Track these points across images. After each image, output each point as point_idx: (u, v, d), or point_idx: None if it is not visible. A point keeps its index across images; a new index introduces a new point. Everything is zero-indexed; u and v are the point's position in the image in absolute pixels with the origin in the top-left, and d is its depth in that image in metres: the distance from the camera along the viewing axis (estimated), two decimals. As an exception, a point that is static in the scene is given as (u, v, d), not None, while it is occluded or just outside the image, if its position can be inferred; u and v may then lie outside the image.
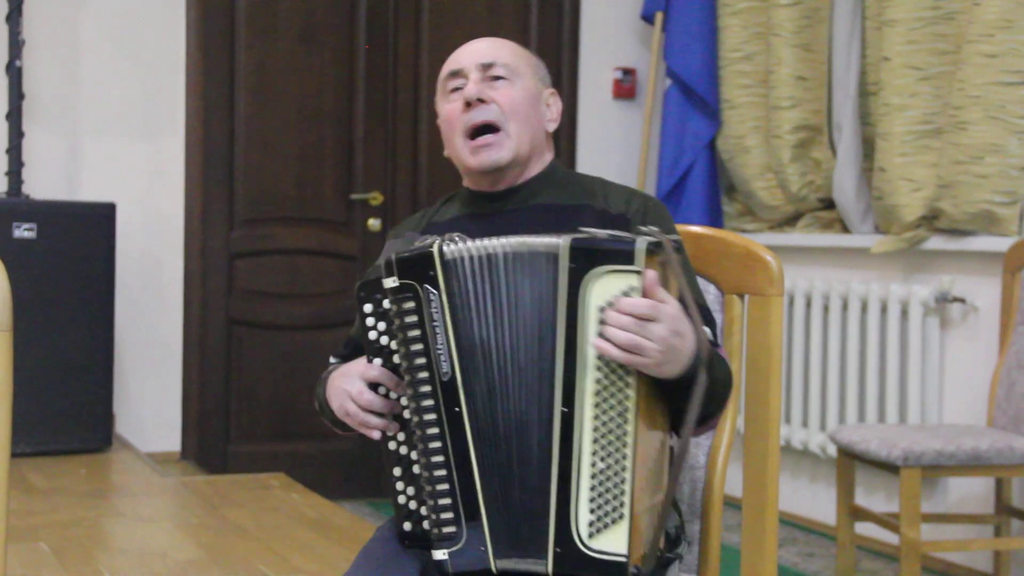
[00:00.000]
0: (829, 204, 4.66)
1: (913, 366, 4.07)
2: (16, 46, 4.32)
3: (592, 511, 1.57)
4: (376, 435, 1.71)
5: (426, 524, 1.69)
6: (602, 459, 1.56)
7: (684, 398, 1.59)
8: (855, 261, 4.42)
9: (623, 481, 1.56)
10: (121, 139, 4.69)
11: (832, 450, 4.27)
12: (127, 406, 4.70)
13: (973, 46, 3.82)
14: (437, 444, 1.63)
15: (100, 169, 4.66)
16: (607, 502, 1.57)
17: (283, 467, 4.54)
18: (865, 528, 4.03)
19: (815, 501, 4.54)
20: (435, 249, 1.63)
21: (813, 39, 4.64)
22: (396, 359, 1.68)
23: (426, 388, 1.63)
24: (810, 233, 4.68)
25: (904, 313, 4.13)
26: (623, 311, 1.52)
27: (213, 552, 3.23)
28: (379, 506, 4.79)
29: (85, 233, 4.32)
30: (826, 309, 4.44)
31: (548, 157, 1.92)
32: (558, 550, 1.58)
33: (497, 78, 1.86)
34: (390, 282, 1.64)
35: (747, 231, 4.95)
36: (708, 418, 1.68)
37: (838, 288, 4.36)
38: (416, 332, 1.63)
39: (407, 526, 1.71)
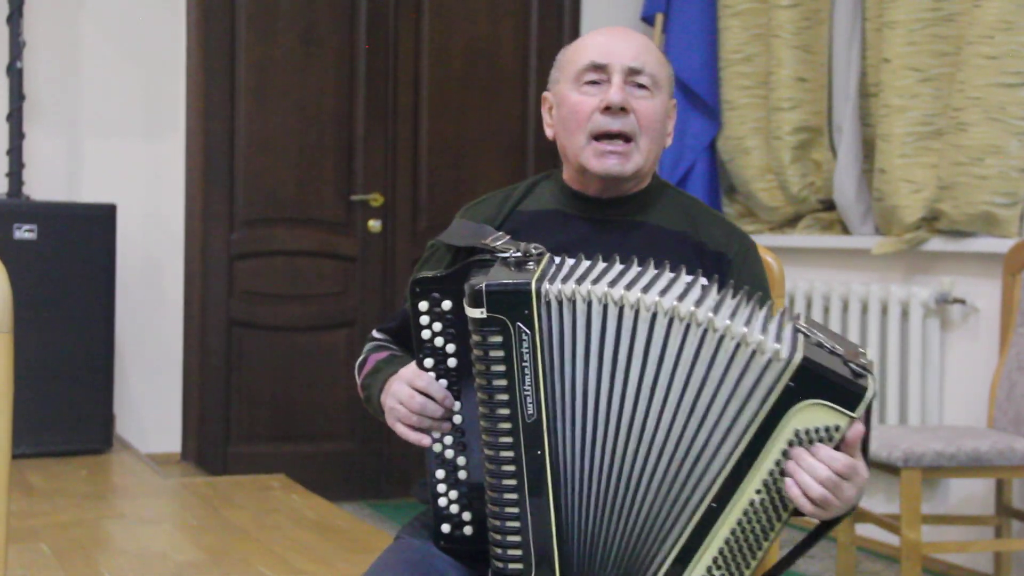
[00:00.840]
0: (829, 205, 4.66)
1: (913, 367, 4.07)
2: (17, 47, 4.32)
3: None
4: (426, 441, 1.65)
5: (468, 530, 1.67)
6: (724, 563, 1.54)
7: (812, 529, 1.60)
8: (855, 262, 4.42)
9: None
10: (121, 140, 4.69)
11: (832, 451, 4.27)
12: (127, 407, 4.70)
13: (973, 48, 3.82)
14: (512, 482, 1.57)
15: (100, 170, 4.66)
16: None
17: (283, 468, 4.54)
18: (865, 529, 4.03)
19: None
20: (533, 287, 1.53)
21: (813, 40, 4.64)
22: (452, 363, 1.63)
23: (506, 425, 1.56)
24: (810, 234, 4.68)
25: (904, 314, 4.13)
26: (823, 462, 1.47)
27: (213, 553, 3.22)
28: (379, 507, 4.79)
29: (85, 234, 4.32)
30: (826, 310, 4.44)
31: (653, 170, 1.84)
32: None
33: (640, 86, 1.76)
34: (476, 313, 1.54)
35: (748, 233, 4.95)
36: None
37: (838, 289, 4.36)
38: (500, 368, 1.55)
39: (446, 528, 1.68)
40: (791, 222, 4.82)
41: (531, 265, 1.58)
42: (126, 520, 3.60)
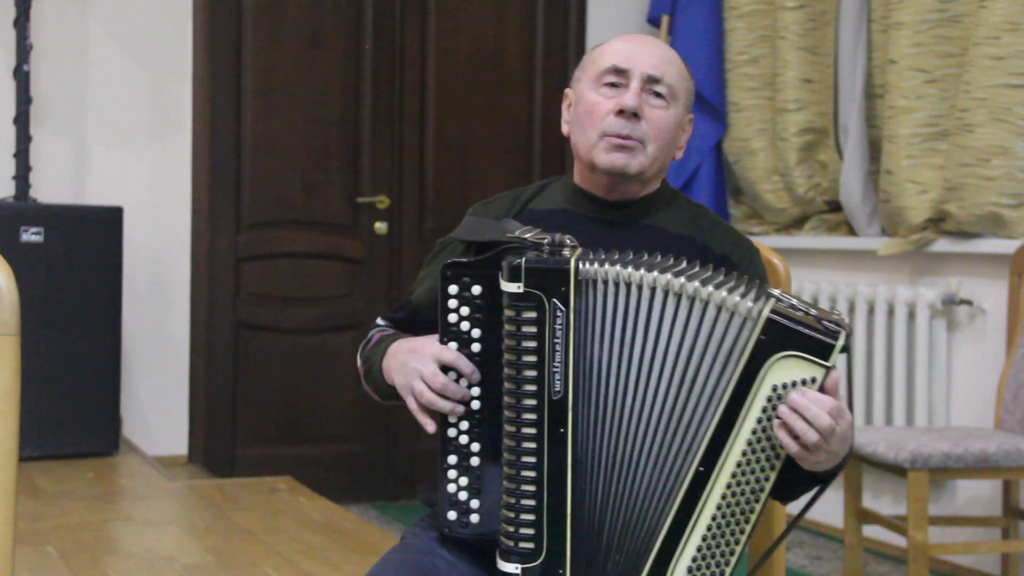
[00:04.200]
0: (836, 207, 4.66)
1: (920, 368, 4.07)
2: (24, 51, 4.33)
3: (690, 571, 1.56)
4: (431, 427, 1.67)
5: (474, 518, 1.66)
6: (718, 526, 1.56)
7: (802, 482, 1.62)
8: (862, 263, 4.42)
9: (732, 553, 1.56)
10: (128, 143, 4.70)
11: (839, 453, 4.26)
12: (134, 410, 4.71)
13: (979, 48, 3.82)
14: (532, 459, 1.59)
15: (107, 173, 4.66)
16: (709, 567, 1.56)
17: (290, 470, 4.54)
18: (873, 531, 4.03)
19: (822, 504, 4.50)
20: (572, 266, 1.59)
21: (819, 42, 4.63)
22: (475, 348, 1.65)
23: (531, 402, 1.59)
24: (817, 236, 4.68)
25: (911, 315, 4.12)
26: (811, 404, 1.51)
27: (220, 556, 3.23)
28: (386, 509, 4.79)
29: (92, 237, 4.32)
30: (833, 312, 4.43)
31: (658, 176, 1.87)
32: None
33: (658, 95, 1.80)
34: (512, 287, 1.58)
35: (754, 234, 4.95)
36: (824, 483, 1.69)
37: (845, 290, 4.36)
38: (532, 343, 1.58)
39: (452, 515, 1.67)
40: (797, 223, 4.82)
41: (566, 252, 1.62)
42: (133, 522, 3.60)
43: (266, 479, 4.30)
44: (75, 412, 4.30)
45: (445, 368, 1.66)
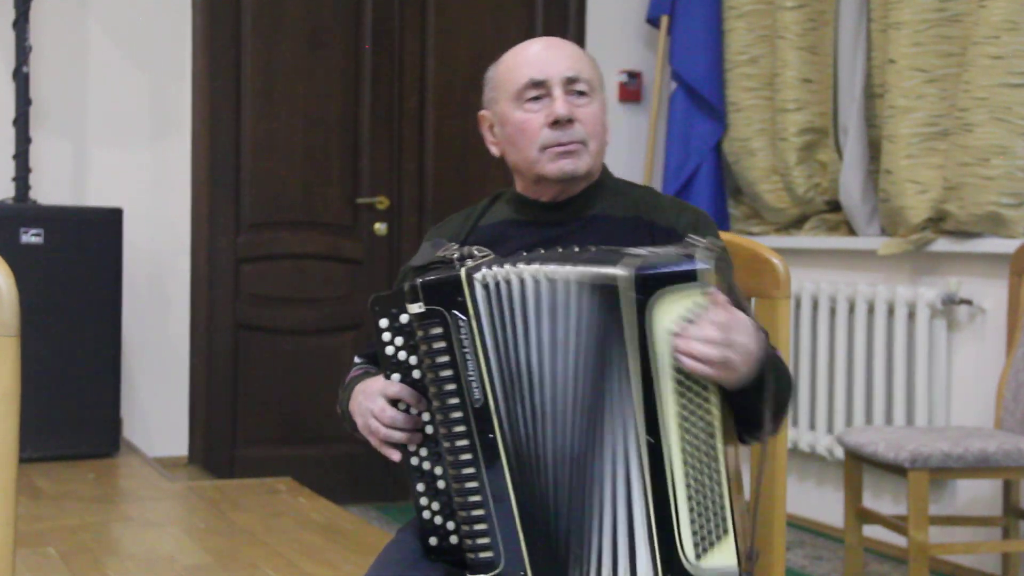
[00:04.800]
0: (835, 206, 4.66)
1: (920, 368, 4.07)
2: (23, 52, 4.33)
3: (695, 532, 1.56)
4: (396, 457, 1.69)
5: (453, 539, 1.69)
6: (695, 478, 1.55)
7: (751, 401, 1.59)
8: (861, 263, 4.42)
9: (721, 496, 1.56)
10: (128, 144, 4.70)
11: (839, 453, 4.27)
12: (134, 411, 4.71)
13: (979, 48, 3.82)
14: (471, 470, 1.62)
15: (107, 174, 4.66)
16: (709, 520, 1.56)
17: (290, 471, 4.54)
18: (873, 531, 4.02)
19: (823, 504, 4.54)
20: (463, 274, 1.61)
21: (819, 42, 4.63)
22: (416, 375, 1.67)
23: (457, 414, 1.61)
24: (816, 235, 4.68)
25: (911, 315, 4.12)
26: (705, 327, 1.51)
27: (220, 556, 3.23)
28: (386, 510, 4.79)
29: (92, 238, 4.32)
30: (833, 312, 4.43)
31: (600, 166, 1.89)
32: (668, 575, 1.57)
33: (580, 93, 1.82)
34: (415, 308, 1.62)
35: (753, 234, 4.95)
36: (777, 417, 1.67)
37: (845, 290, 4.36)
38: (445, 358, 1.61)
39: (433, 541, 1.70)
40: (797, 223, 4.82)
41: (469, 261, 1.66)
42: (133, 523, 3.60)
43: (266, 480, 4.30)
44: (75, 413, 4.30)
45: (395, 401, 1.68)
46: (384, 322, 1.67)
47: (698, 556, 1.56)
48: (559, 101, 1.79)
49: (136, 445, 4.62)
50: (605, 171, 1.90)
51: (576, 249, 1.67)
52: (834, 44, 4.60)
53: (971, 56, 3.85)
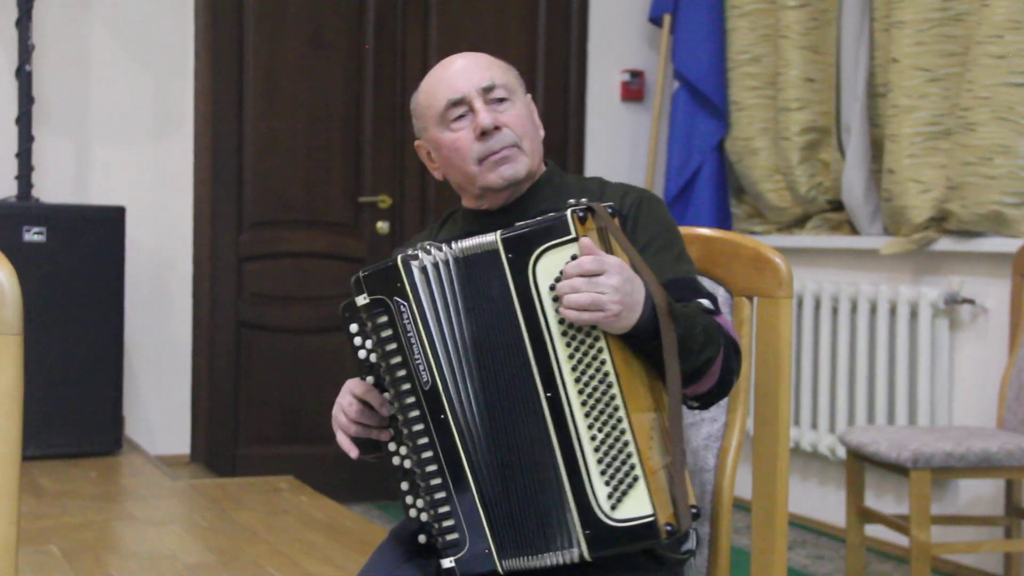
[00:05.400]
0: (838, 206, 4.65)
1: (922, 368, 4.07)
2: (26, 51, 4.33)
3: (607, 483, 1.58)
4: (354, 454, 1.75)
5: (434, 532, 1.70)
6: (599, 429, 1.58)
7: (653, 351, 1.61)
8: (864, 263, 4.41)
9: (627, 444, 1.57)
10: (130, 143, 4.70)
11: (841, 452, 4.27)
12: (136, 409, 4.71)
13: (982, 47, 3.82)
14: (429, 453, 1.65)
15: (109, 173, 4.67)
16: (618, 469, 1.57)
17: (292, 470, 4.54)
18: (875, 530, 4.02)
19: (825, 503, 4.54)
20: (399, 261, 1.65)
21: (821, 41, 4.63)
22: (382, 373, 1.70)
23: (410, 399, 1.66)
24: (819, 235, 4.68)
25: (913, 315, 4.12)
26: (571, 274, 1.56)
27: (223, 555, 3.23)
28: (387, 508, 4.79)
29: (94, 237, 4.32)
30: (835, 311, 4.43)
31: (541, 162, 1.91)
32: (587, 532, 1.59)
33: (500, 100, 1.84)
34: (361, 299, 1.67)
35: (756, 233, 4.95)
36: (699, 374, 1.67)
37: (847, 290, 4.36)
38: (393, 345, 1.66)
39: (422, 539, 1.72)
40: (799, 222, 4.82)
41: (410, 251, 1.70)
42: (135, 522, 3.61)
43: (268, 478, 4.31)
44: (78, 411, 4.31)
45: (364, 401, 1.73)
46: (354, 327, 1.72)
47: (612, 507, 1.58)
48: (481, 113, 1.82)
49: (138, 443, 4.62)
50: (552, 167, 1.92)
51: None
52: (837, 43, 4.60)
53: (974, 55, 3.85)
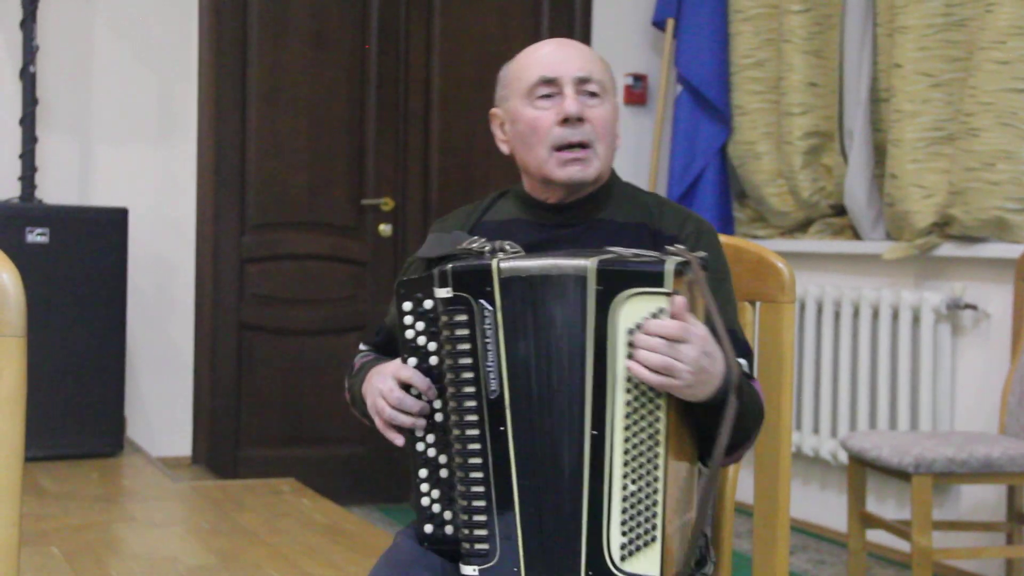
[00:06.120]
0: (840, 210, 4.65)
1: (925, 373, 4.06)
2: (30, 52, 4.34)
3: (624, 534, 1.56)
4: (399, 441, 1.70)
5: (448, 529, 1.69)
6: (633, 481, 1.56)
7: (713, 423, 1.57)
8: (866, 267, 4.41)
9: (655, 504, 1.55)
10: (133, 144, 4.70)
11: (843, 457, 4.26)
12: (138, 410, 4.71)
13: (985, 53, 3.82)
14: (478, 460, 1.62)
15: (112, 174, 4.67)
16: (639, 524, 1.56)
17: (294, 472, 4.54)
18: (876, 535, 4.02)
19: (826, 508, 4.53)
20: (494, 265, 1.61)
21: (824, 45, 4.63)
22: (433, 361, 1.67)
23: (471, 403, 1.62)
24: (821, 239, 4.67)
25: (915, 320, 4.12)
26: (653, 333, 1.52)
27: (224, 557, 3.23)
28: (389, 511, 4.79)
29: (97, 238, 4.33)
30: (837, 316, 4.43)
31: (609, 169, 1.89)
32: (590, 573, 1.58)
33: (592, 94, 1.82)
34: (443, 292, 1.62)
35: (758, 237, 4.95)
36: (736, 447, 1.67)
37: (849, 295, 4.36)
38: (466, 346, 1.62)
39: (428, 528, 1.70)
40: (802, 227, 4.82)
41: (500, 255, 1.66)
42: (137, 523, 3.60)
43: (270, 480, 4.30)
44: (79, 413, 4.31)
45: (406, 385, 1.69)
46: (408, 305, 1.68)
47: (622, 558, 1.57)
48: (570, 99, 1.80)
49: (140, 445, 4.63)
50: (613, 175, 1.90)
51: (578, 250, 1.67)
52: (840, 48, 4.60)
53: (977, 61, 3.85)
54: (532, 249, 1.73)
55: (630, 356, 1.54)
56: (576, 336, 1.58)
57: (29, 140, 4.35)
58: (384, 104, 4.99)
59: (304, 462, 4.82)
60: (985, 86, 3.82)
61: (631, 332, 1.54)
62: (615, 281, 1.55)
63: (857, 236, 4.51)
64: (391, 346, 1.88)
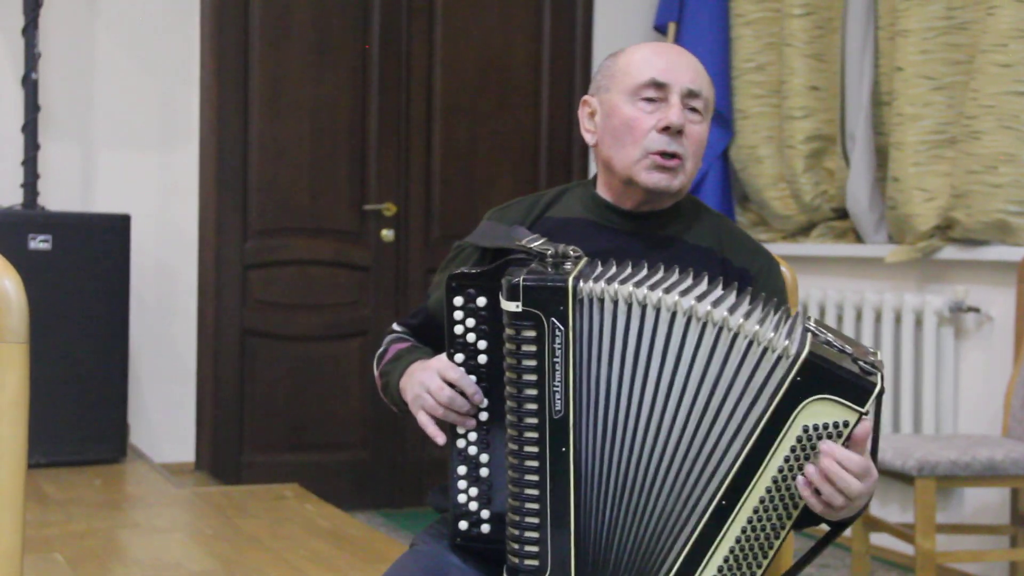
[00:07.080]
0: (842, 214, 4.65)
1: (927, 376, 4.06)
2: (32, 59, 4.34)
3: None
4: (441, 440, 1.67)
5: (485, 528, 1.67)
6: (735, 559, 1.54)
7: (827, 529, 1.59)
8: (869, 271, 4.41)
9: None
10: (136, 151, 4.71)
11: (846, 460, 4.26)
12: (141, 417, 4.71)
13: (986, 56, 3.82)
14: (535, 478, 1.58)
15: (115, 181, 4.67)
16: None
17: (297, 478, 4.54)
18: (880, 539, 4.02)
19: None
20: (570, 284, 1.56)
21: (826, 49, 4.64)
22: (482, 360, 1.65)
23: (533, 420, 1.57)
24: (824, 243, 4.67)
25: (918, 323, 4.12)
26: (831, 456, 1.48)
27: (227, 563, 3.23)
28: (392, 516, 4.79)
29: (100, 245, 4.33)
30: (840, 319, 4.43)
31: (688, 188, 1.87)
32: None
33: (694, 110, 1.79)
34: (512, 306, 1.57)
35: (761, 241, 4.94)
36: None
37: (852, 298, 4.36)
38: (532, 363, 1.57)
39: (463, 525, 1.68)
40: (804, 231, 4.82)
41: (568, 265, 1.61)
42: (140, 529, 3.61)
43: (273, 486, 4.30)
44: (82, 419, 4.31)
45: (452, 385, 1.66)
46: (459, 300, 1.64)
47: None
48: (675, 109, 1.76)
49: (143, 451, 4.63)
50: (688, 194, 1.88)
51: (702, 282, 1.62)
52: (841, 51, 4.60)
53: (979, 64, 3.85)
54: (595, 255, 1.68)
55: (794, 454, 1.50)
56: (731, 396, 1.53)
57: (31, 147, 4.36)
58: (386, 109, 4.99)
59: (307, 467, 4.82)
60: (987, 89, 3.82)
61: (807, 431, 1.49)
62: (819, 380, 1.49)
63: (859, 239, 4.51)
64: (428, 330, 1.85)
